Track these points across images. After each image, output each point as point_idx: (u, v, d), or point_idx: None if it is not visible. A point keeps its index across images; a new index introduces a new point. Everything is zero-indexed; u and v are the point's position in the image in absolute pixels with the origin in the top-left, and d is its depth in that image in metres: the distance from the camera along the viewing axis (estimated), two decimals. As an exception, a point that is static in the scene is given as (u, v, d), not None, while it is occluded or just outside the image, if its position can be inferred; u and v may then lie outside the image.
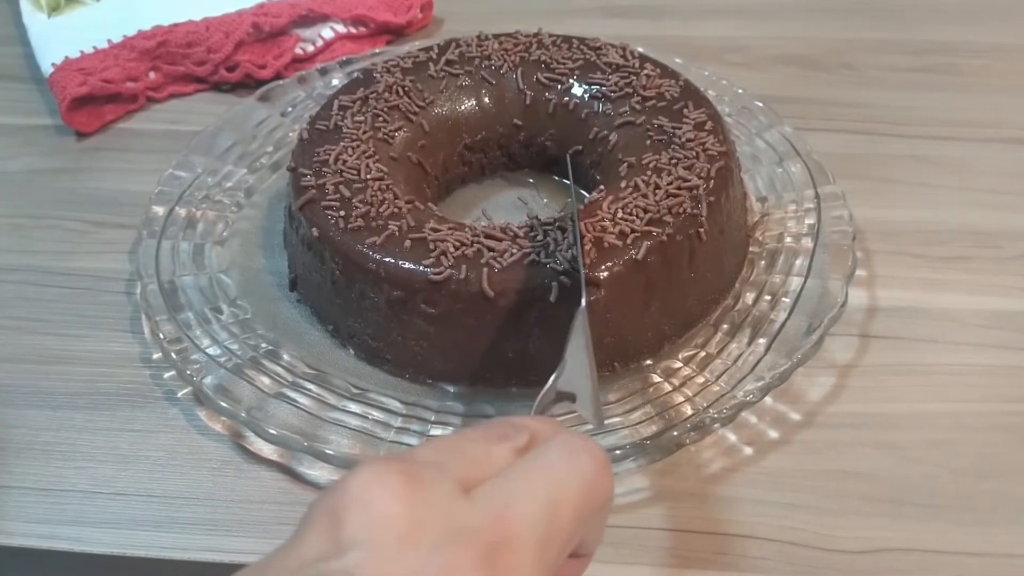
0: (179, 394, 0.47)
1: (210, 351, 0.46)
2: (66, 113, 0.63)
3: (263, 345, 0.47)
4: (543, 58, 0.55)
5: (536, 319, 0.43)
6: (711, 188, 0.46)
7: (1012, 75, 0.65)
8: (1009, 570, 0.39)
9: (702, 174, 0.47)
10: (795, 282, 0.48)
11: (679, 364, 0.46)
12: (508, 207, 0.55)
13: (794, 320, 0.46)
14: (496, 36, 0.57)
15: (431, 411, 0.45)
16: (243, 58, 0.67)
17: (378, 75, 0.55)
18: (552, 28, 0.58)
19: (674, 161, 0.48)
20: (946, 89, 0.64)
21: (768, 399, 0.45)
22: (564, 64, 0.55)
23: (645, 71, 0.54)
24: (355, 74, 0.58)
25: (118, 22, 0.68)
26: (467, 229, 0.45)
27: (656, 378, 0.45)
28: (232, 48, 0.66)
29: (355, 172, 0.49)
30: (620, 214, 0.45)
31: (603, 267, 0.43)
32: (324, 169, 0.49)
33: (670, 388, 0.44)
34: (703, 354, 0.46)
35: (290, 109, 0.61)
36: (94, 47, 0.67)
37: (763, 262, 0.50)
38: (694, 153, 0.48)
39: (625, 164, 0.49)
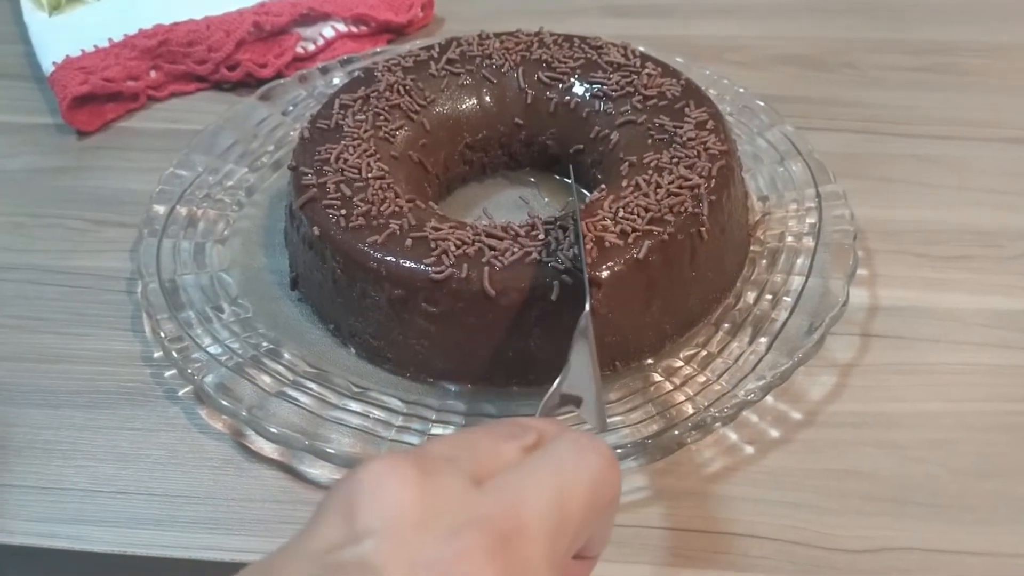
0: (180, 393, 0.47)
1: (211, 350, 0.46)
2: (67, 112, 0.63)
3: (264, 344, 0.47)
4: (544, 57, 0.55)
5: (537, 318, 0.43)
6: (712, 187, 0.46)
7: (1013, 74, 0.65)
8: (1011, 570, 0.39)
9: (703, 173, 0.47)
10: (796, 281, 0.48)
11: (680, 363, 0.46)
12: (509, 206, 0.55)
13: (795, 319, 0.46)
14: (497, 35, 0.57)
15: (432, 410, 0.45)
16: (244, 57, 0.66)
17: (379, 74, 0.55)
18: (553, 27, 0.58)
19: (675, 160, 0.48)
20: (947, 89, 0.64)
21: (769, 398, 0.45)
22: (565, 63, 0.55)
23: (646, 70, 0.54)
24: (356, 73, 0.58)
25: (119, 21, 0.68)
26: (468, 228, 0.45)
27: (657, 377, 0.45)
28: (233, 47, 0.66)
29: (356, 171, 0.49)
30: (621, 213, 0.45)
31: (604, 266, 0.43)
32: (325, 168, 0.49)
33: (671, 387, 0.44)
34: (704, 353, 0.46)
35: (291, 108, 0.61)
36: (95, 46, 0.67)
37: (764, 261, 0.50)
38: (695, 152, 0.48)
39: (626, 163, 0.49)
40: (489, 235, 0.44)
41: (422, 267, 0.43)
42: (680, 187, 0.46)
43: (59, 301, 0.52)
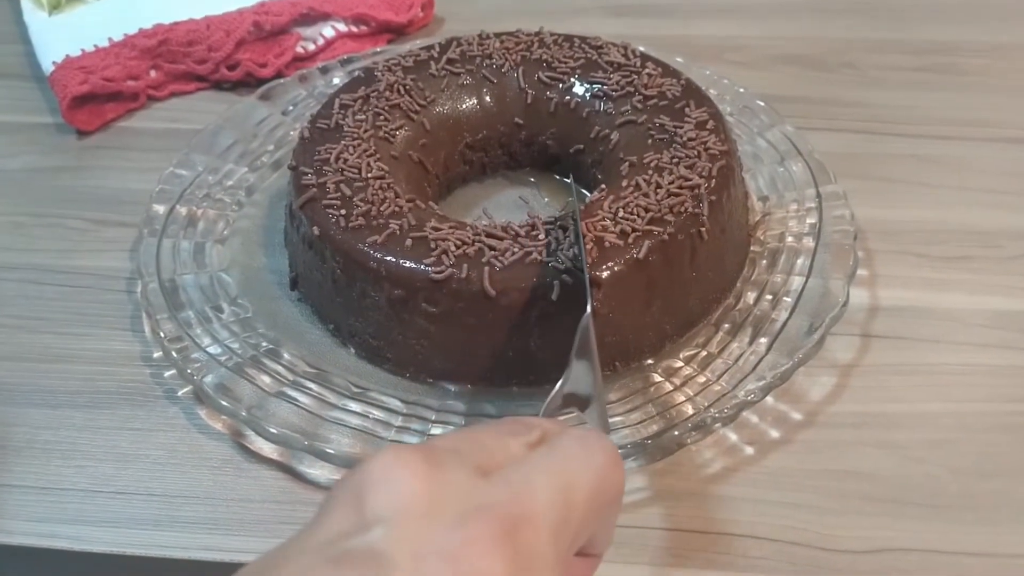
0: (179, 393, 0.47)
1: (211, 350, 0.46)
2: (67, 111, 0.63)
3: (264, 344, 0.47)
4: (544, 57, 0.55)
5: (537, 318, 0.43)
6: (712, 187, 0.46)
7: (1013, 74, 0.65)
8: (1011, 570, 0.39)
9: (703, 173, 0.47)
10: (796, 281, 0.48)
11: (680, 363, 0.46)
12: (509, 206, 0.55)
13: (795, 320, 0.46)
14: (497, 35, 0.57)
15: (432, 410, 0.44)
16: (244, 56, 0.66)
17: (379, 74, 0.55)
18: (553, 27, 0.58)
19: (675, 160, 0.48)
20: (947, 89, 0.64)
21: (769, 399, 0.45)
22: (565, 63, 0.55)
23: (646, 70, 0.53)
24: (356, 73, 0.58)
25: (119, 20, 0.68)
26: (468, 228, 0.45)
27: (657, 377, 0.45)
28: (233, 47, 0.66)
29: (356, 171, 0.48)
30: (621, 213, 0.45)
31: (604, 266, 0.43)
32: (325, 168, 0.49)
33: (671, 387, 0.44)
34: (704, 353, 0.46)
35: (291, 108, 0.61)
36: (95, 45, 0.67)
37: (764, 261, 0.50)
38: (695, 152, 0.48)
39: (626, 163, 0.49)
40: (489, 235, 0.44)
41: (422, 267, 0.43)
42: (680, 187, 0.46)
43: (59, 301, 0.52)
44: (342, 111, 0.52)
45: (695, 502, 0.42)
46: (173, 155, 0.57)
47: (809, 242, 0.49)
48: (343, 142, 0.50)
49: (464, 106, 0.55)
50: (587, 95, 0.54)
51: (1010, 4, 0.72)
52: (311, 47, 0.69)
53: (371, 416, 0.44)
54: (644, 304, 0.45)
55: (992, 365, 0.47)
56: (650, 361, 0.46)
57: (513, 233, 0.45)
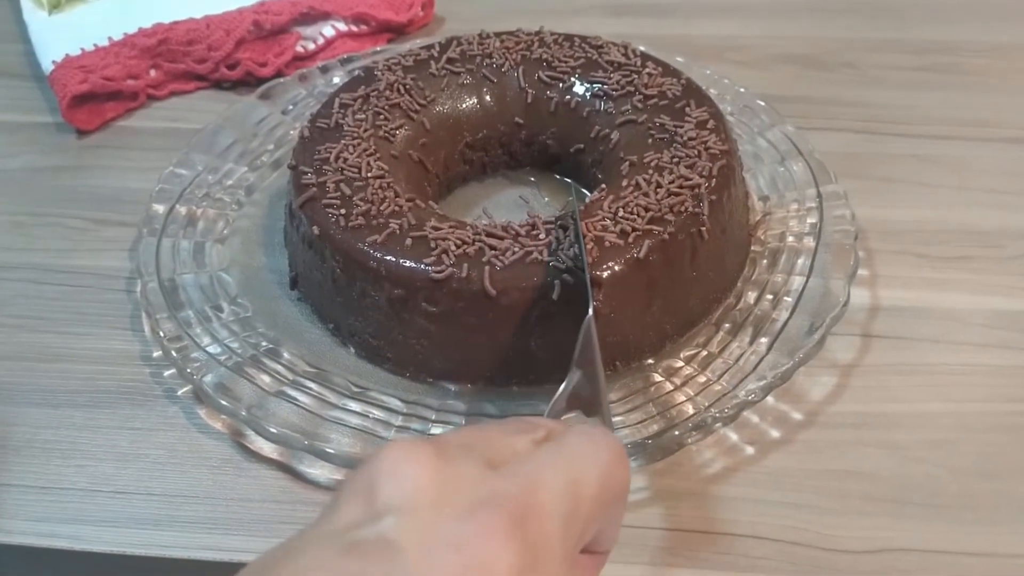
0: (179, 392, 0.47)
1: (210, 349, 0.46)
2: (67, 111, 0.63)
3: (263, 343, 0.47)
4: (545, 56, 0.55)
5: (538, 318, 0.43)
6: (713, 187, 0.46)
7: (1013, 74, 0.65)
8: (1011, 570, 0.39)
9: (704, 173, 0.47)
10: (797, 281, 0.48)
11: (680, 363, 0.46)
12: (509, 205, 0.55)
13: (796, 319, 0.46)
14: (497, 34, 0.57)
15: (432, 410, 0.44)
16: (244, 56, 0.66)
17: (379, 73, 0.55)
18: (554, 26, 0.58)
19: (676, 160, 0.48)
20: (948, 88, 0.64)
21: (770, 398, 0.44)
22: (566, 62, 0.55)
23: (647, 70, 0.53)
24: (356, 72, 0.58)
25: (119, 20, 0.68)
26: (468, 227, 0.45)
27: (657, 377, 0.45)
28: (233, 46, 0.66)
29: (356, 170, 0.48)
30: (621, 213, 0.45)
31: (604, 266, 0.43)
32: (325, 167, 0.49)
33: (671, 387, 0.44)
34: (705, 353, 0.46)
35: (291, 107, 0.61)
36: (95, 45, 0.67)
37: (765, 261, 0.50)
38: (696, 152, 0.48)
39: (627, 163, 0.49)
40: (489, 234, 0.44)
41: (422, 266, 0.43)
42: (680, 187, 0.46)
43: (58, 300, 0.52)
44: (342, 110, 0.52)
45: (695, 502, 0.42)
46: (173, 154, 0.57)
47: (810, 242, 0.49)
48: (343, 141, 0.50)
49: (464, 105, 0.55)
50: (587, 94, 0.54)
51: (1010, 4, 0.72)
52: (311, 46, 0.69)
53: (371, 416, 0.44)
54: (644, 304, 0.45)
55: (992, 365, 0.47)
56: (650, 361, 0.46)
57: (513, 233, 0.44)
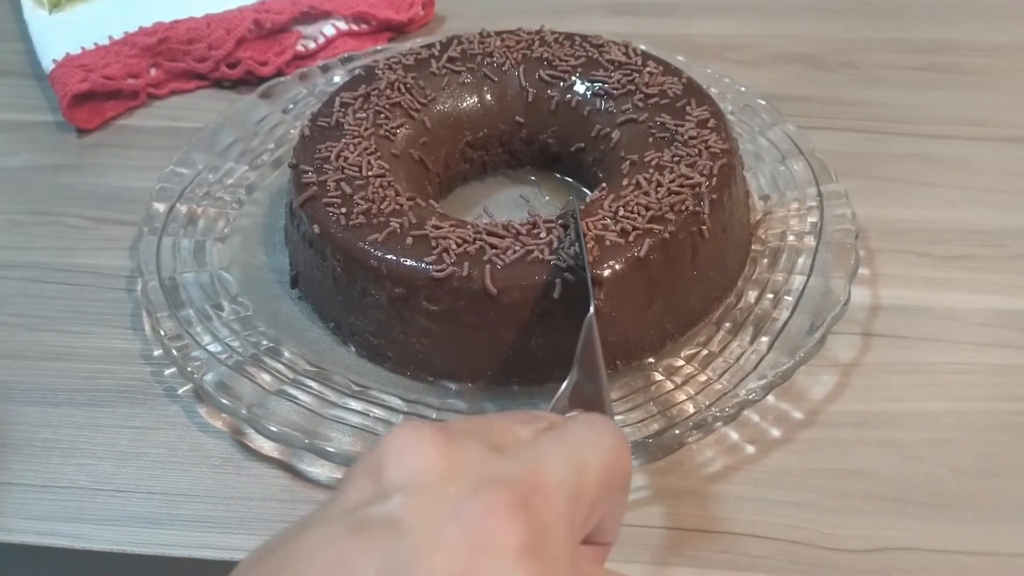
0: (180, 391, 0.47)
1: (211, 348, 0.46)
2: (67, 109, 0.63)
3: (264, 342, 0.47)
4: (545, 55, 0.55)
5: (539, 316, 0.43)
6: (713, 186, 0.46)
7: (1014, 74, 0.65)
8: (1011, 569, 0.39)
9: (704, 172, 0.47)
10: (798, 280, 0.48)
11: (681, 362, 0.46)
12: (510, 204, 0.55)
13: (797, 318, 0.46)
14: (498, 33, 0.57)
15: (432, 409, 0.44)
16: (244, 55, 0.66)
17: (380, 72, 0.55)
18: (554, 25, 0.58)
19: (676, 159, 0.48)
20: (948, 88, 0.64)
21: (770, 397, 0.44)
22: (566, 61, 0.55)
23: (647, 68, 0.53)
24: (357, 71, 0.58)
25: (119, 18, 0.68)
26: (469, 226, 0.45)
27: (658, 376, 0.45)
28: (233, 45, 0.66)
29: (356, 169, 0.48)
30: (622, 212, 0.45)
31: (605, 265, 0.43)
32: (325, 166, 0.49)
33: (672, 386, 0.44)
34: (705, 352, 0.46)
35: (291, 106, 0.61)
36: (95, 43, 0.67)
37: (765, 260, 0.50)
38: (696, 151, 0.48)
39: (627, 162, 0.49)
40: (490, 233, 0.44)
41: (423, 265, 0.43)
42: (681, 185, 0.46)
43: (59, 299, 0.52)
44: (343, 109, 0.52)
45: (696, 501, 0.42)
46: (173, 153, 0.57)
47: (810, 241, 0.49)
48: (344, 140, 0.50)
49: (465, 104, 0.55)
50: (588, 93, 0.54)
51: (1011, 3, 0.72)
52: (312, 45, 0.69)
53: (372, 414, 0.44)
54: (645, 303, 0.45)
55: (993, 364, 0.47)
56: (651, 360, 0.46)
57: (514, 231, 0.44)
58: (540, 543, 0.25)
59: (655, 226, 0.44)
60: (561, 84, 0.54)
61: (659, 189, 0.46)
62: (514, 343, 0.44)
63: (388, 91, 0.54)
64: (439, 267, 0.43)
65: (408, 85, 0.54)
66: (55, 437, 0.46)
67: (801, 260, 0.49)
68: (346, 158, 0.49)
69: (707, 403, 0.43)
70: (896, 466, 0.43)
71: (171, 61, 0.67)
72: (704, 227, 0.45)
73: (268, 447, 0.44)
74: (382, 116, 0.52)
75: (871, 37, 0.69)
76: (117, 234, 0.56)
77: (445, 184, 0.55)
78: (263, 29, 0.67)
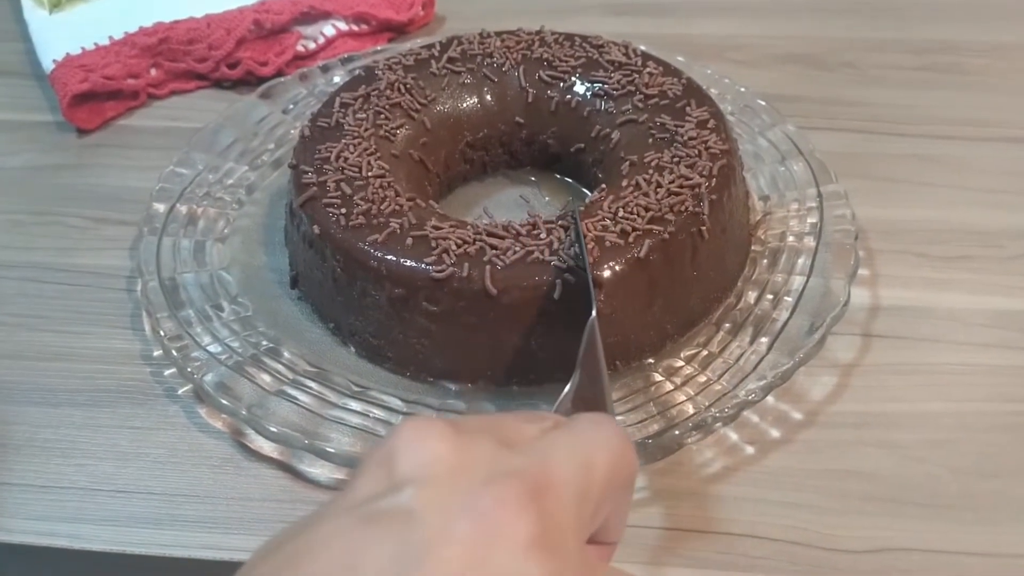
0: (179, 391, 0.47)
1: (211, 348, 0.46)
2: (67, 109, 0.63)
3: (264, 343, 0.47)
4: (545, 56, 0.55)
5: (539, 317, 0.43)
6: (713, 186, 0.46)
7: (1014, 74, 0.65)
8: (1011, 570, 0.39)
9: (704, 172, 0.47)
10: (797, 281, 0.48)
11: (681, 363, 0.46)
12: (510, 205, 0.55)
13: (796, 319, 0.46)
14: (498, 34, 0.57)
15: (432, 409, 0.44)
16: (244, 55, 0.66)
17: (380, 72, 0.55)
18: (554, 26, 0.58)
19: (676, 159, 0.48)
20: (948, 88, 0.64)
21: (770, 398, 0.44)
22: (566, 62, 0.55)
23: (647, 69, 0.53)
24: (357, 71, 0.58)
25: (119, 19, 0.68)
26: (469, 227, 0.45)
27: (658, 377, 0.45)
28: (233, 45, 0.66)
29: (356, 169, 0.48)
30: (621, 213, 0.45)
31: (605, 266, 0.43)
32: (325, 166, 0.49)
33: (672, 387, 0.44)
34: (705, 353, 0.46)
35: (291, 106, 0.61)
36: (95, 44, 0.67)
37: (765, 261, 0.50)
38: (696, 151, 0.48)
39: (627, 162, 0.49)
40: (490, 234, 0.44)
41: (423, 266, 0.43)
42: (681, 186, 0.46)
43: (59, 299, 0.52)
44: (343, 110, 0.52)
45: (695, 501, 0.42)
46: (173, 153, 0.57)
47: (810, 241, 0.49)
48: (343, 141, 0.50)
49: (465, 105, 0.55)
50: (588, 94, 0.54)
51: (1011, 4, 0.72)
52: (312, 46, 0.69)
53: (371, 415, 0.44)
54: (645, 303, 0.45)
55: (992, 365, 0.47)
56: (651, 360, 0.46)
57: (514, 232, 0.44)
58: (550, 536, 0.25)
59: (655, 227, 0.44)
60: (561, 85, 0.54)
61: (659, 190, 0.46)
62: (514, 344, 0.44)
63: (388, 91, 0.54)
64: (439, 268, 0.43)
65: (408, 85, 0.54)
66: (55, 437, 0.46)
67: (801, 261, 0.49)
68: (346, 158, 0.49)
69: (707, 404, 0.43)
70: (896, 467, 0.43)
71: (171, 61, 0.67)
72: (704, 228, 0.45)
73: (268, 447, 0.44)
74: (382, 116, 0.52)
75: (871, 37, 0.69)
76: (117, 234, 0.56)
77: (445, 185, 0.55)
78: (263, 29, 0.67)
